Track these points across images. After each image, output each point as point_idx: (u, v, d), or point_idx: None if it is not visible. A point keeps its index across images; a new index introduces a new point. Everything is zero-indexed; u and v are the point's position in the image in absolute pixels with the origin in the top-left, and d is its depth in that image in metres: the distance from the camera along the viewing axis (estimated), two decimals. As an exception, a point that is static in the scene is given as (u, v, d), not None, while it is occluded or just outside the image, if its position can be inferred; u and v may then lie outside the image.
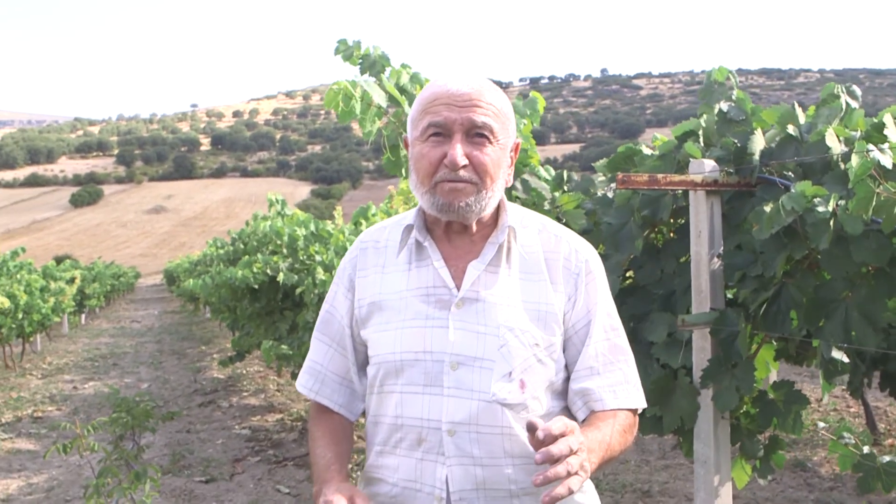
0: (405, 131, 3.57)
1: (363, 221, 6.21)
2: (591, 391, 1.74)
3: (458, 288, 1.72)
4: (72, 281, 21.51)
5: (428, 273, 1.75)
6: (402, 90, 3.45)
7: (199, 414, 9.89)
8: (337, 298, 1.90)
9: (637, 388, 1.81)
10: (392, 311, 1.76)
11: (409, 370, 1.71)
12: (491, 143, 1.67)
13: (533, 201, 3.61)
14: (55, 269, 18.84)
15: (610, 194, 3.76)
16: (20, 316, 14.33)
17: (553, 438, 1.39)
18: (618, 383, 1.76)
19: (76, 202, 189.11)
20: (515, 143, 1.79)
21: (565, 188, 4.04)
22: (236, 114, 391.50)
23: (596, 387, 1.74)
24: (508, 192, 3.48)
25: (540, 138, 5.40)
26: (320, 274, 5.98)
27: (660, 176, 3.11)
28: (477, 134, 1.66)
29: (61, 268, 20.52)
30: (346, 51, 3.67)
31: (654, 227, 3.62)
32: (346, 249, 6.05)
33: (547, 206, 3.66)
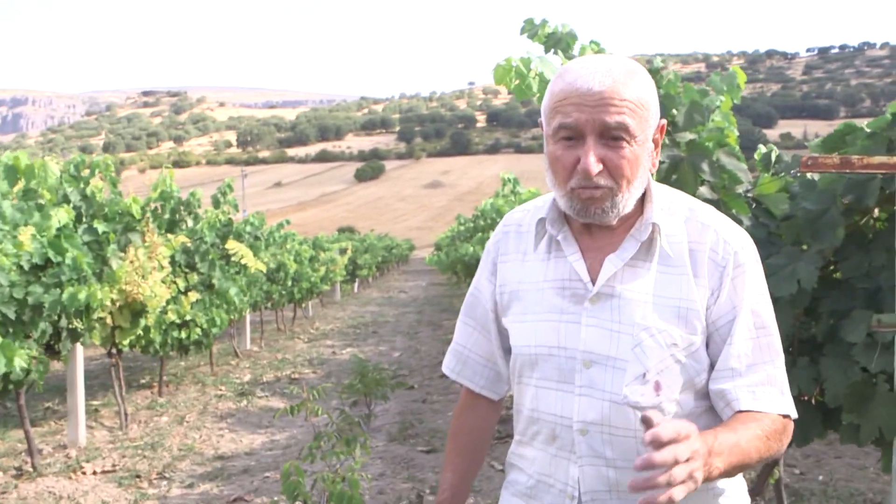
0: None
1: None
2: (728, 392, 1.59)
3: (594, 282, 1.64)
4: (343, 252, 22.96)
5: (565, 265, 1.68)
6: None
7: (439, 385, 10.19)
8: (481, 282, 1.88)
9: (783, 392, 1.62)
10: (529, 302, 1.72)
11: (543, 364, 1.68)
12: (628, 142, 1.53)
13: (723, 184, 3.35)
14: (325, 240, 20.13)
15: (817, 177, 3.42)
16: (289, 283, 15.47)
17: (660, 444, 1.26)
18: (758, 384, 1.59)
19: (360, 176, 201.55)
20: (660, 124, 1.62)
21: (774, 170, 3.73)
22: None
23: (734, 387, 1.59)
24: (691, 175, 3.25)
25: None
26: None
27: (854, 158, 2.77)
28: (612, 136, 1.52)
29: (331, 239, 21.88)
30: (532, 29, 3.57)
31: (864, 214, 3.25)
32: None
33: (740, 190, 3.38)
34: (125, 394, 9.70)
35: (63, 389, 9.67)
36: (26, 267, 5.16)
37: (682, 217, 1.65)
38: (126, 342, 7.81)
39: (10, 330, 5.18)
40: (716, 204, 3.29)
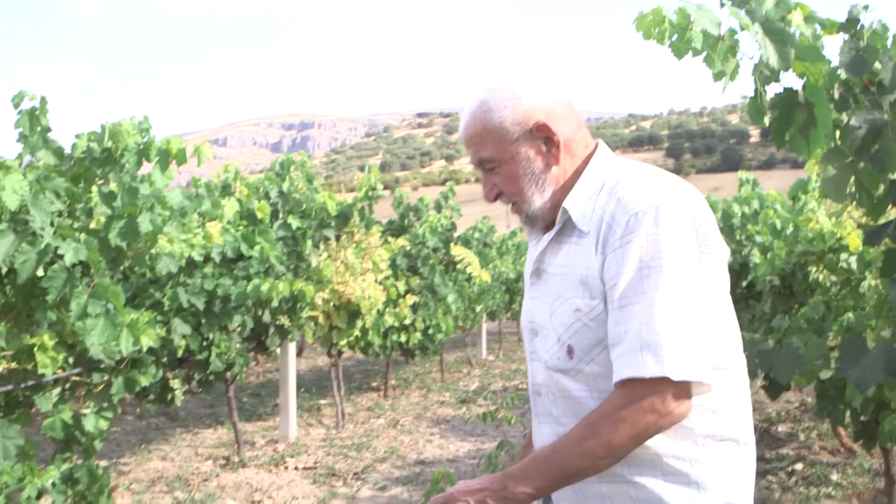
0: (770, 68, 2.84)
1: (802, 196, 5.31)
2: (613, 363, 1.60)
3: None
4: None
5: (535, 249, 1.87)
6: (753, 17, 2.74)
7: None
8: None
9: (660, 354, 1.52)
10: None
11: (524, 337, 1.90)
12: (498, 167, 1.76)
13: None
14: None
15: None
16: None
17: None
18: (628, 352, 1.56)
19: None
20: (535, 124, 1.72)
21: None
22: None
23: (614, 358, 1.59)
24: None
25: None
26: (756, 256, 5.23)
27: None
28: (487, 169, 1.78)
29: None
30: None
31: None
32: (777, 228, 5.24)
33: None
34: (353, 395, 9.90)
35: (301, 387, 10.03)
36: (217, 259, 5.25)
37: (603, 191, 1.71)
38: (343, 343, 7.87)
39: (203, 321, 5.29)
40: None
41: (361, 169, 7.70)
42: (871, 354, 2.99)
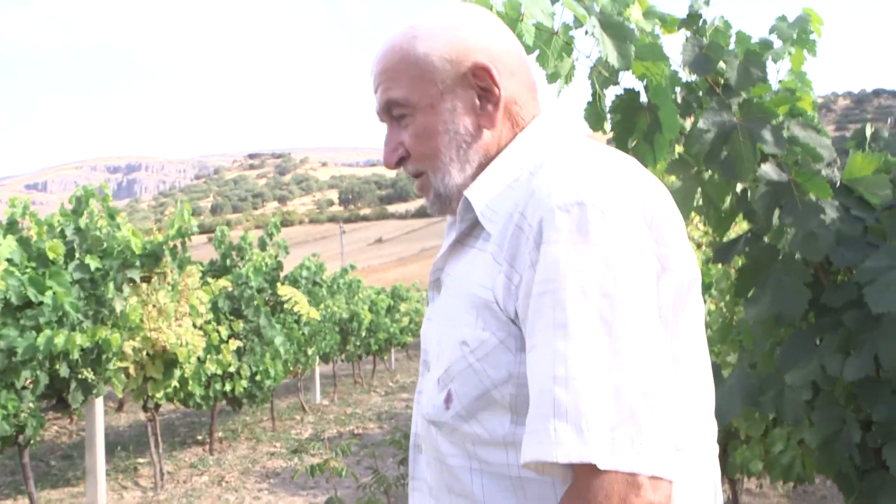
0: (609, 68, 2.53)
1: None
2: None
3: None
4: (428, 302, 22.20)
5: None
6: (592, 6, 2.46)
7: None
8: None
9: (583, 428, 0.97)
10: None
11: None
12: (410, 115, 1.26)
13: (794, 160, 2.46)
14: (404, 290, 19.43)
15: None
16: (363, 334, 14.79)
17: None
18: (541, 416, 1.00)
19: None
20: (468, 66, 1.24)
21: (870, 147, 2.82)
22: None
23: (527, 423, 1.04)
24: (748, 147, 2.36)
25: None
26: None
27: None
28: (395, 116, 1.28)
29: (410, 289, 21.20)
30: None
31: None
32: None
33: (822, 171, 2.48)
34: (175, 451, 9.14)
35: (118, 445, 9.17)
36: (-1, 306, 4.55)
37: (520, 178, 1.22)
38: (160, 395, 7.18)
39: (-17, 379, 4.57)
40: (784, 186, 2.39)
41: (193, 212, 7.09)
42: (726, 383, 2.77)
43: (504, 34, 1.30)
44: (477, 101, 1.25)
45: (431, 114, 1.24)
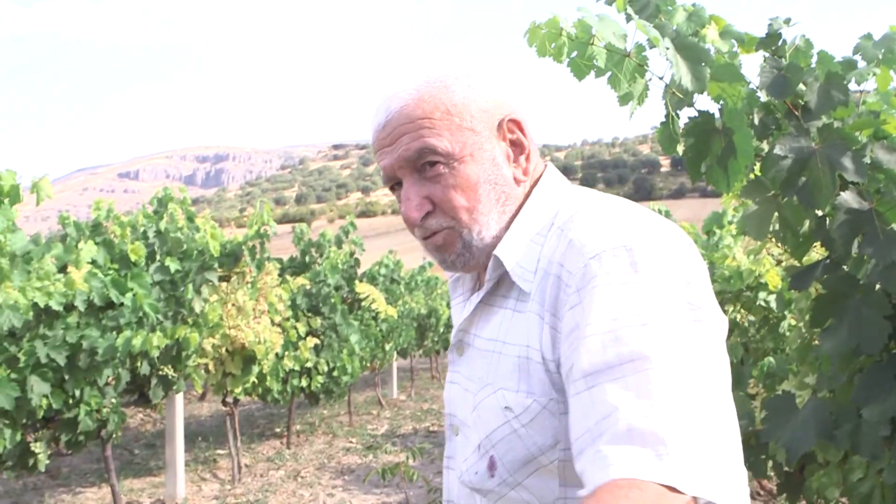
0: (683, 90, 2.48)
1: (717, 231, 5.06)
2: (583, 472, 0.95)
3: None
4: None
5: (461, 309, 1.37)
6: (663, 32, 2.40)
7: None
8: None
9: (663, 453, 0.89)
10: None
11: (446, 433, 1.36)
12: (446, 164, 1.18)
13: (877, 188, 2.36)
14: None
15: None
16: (441, 330, 14.85)
17: None
18: (615, 441, 0.93)
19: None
20: (506, 118, 1.23)
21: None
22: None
23: (586, 461, 0.95)
24: (827, 175, 2.27)
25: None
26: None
27: None
28: (425, 166, 1.19)
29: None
30: (613, -6, 2.71)
31: None
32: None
33: (904, 197, 2.37)
34: (254, 443, 9.32)
35: (199, 436, 9.41)
36: (82, 308, 4.69)
37: (553, 231, 1.18)
38: (239, 390, 7.33)
39: (66, 377, 4.72)
40: (865, 215, 2.30)
41: (277, 201, 7.24)
42: (800, 415, 2.67)
43: (517, 87, 1.28)
44: (510, 153, 1.24)
45: (472, 164, 1.19)
